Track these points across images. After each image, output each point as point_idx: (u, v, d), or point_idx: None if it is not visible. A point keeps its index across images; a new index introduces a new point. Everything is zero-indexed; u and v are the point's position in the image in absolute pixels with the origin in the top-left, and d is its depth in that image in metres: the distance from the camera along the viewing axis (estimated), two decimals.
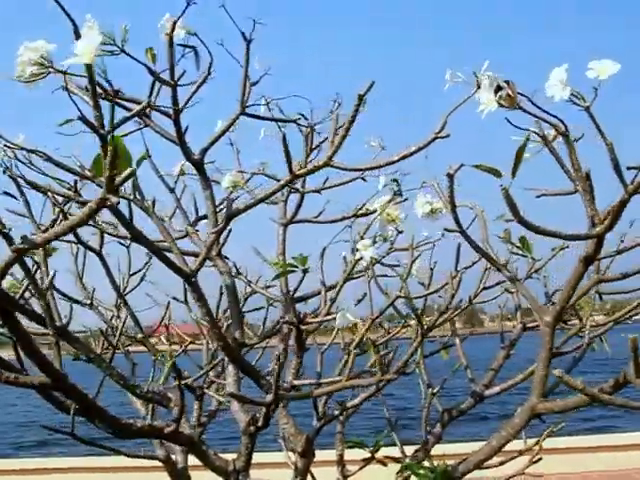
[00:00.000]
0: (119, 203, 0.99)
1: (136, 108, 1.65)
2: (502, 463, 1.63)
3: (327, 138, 1.92)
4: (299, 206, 1.96)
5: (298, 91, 1.80)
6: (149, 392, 1.58)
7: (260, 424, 1.51)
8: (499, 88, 1.23)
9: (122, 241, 2.08)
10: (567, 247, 1.91)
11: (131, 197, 1.49)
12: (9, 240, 1.15)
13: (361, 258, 1.47)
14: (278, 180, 1.98)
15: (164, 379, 1.39)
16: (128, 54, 1.43)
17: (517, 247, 1.85)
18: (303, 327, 1.54)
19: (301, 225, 2.09)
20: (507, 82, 1.23)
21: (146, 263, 2.21)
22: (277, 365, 1.32)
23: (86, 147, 1.72)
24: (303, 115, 1.93)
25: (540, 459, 1.68)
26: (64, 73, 1.47)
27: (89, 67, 1.22)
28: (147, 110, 1.69)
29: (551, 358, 1.48)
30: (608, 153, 1.24)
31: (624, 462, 4.21)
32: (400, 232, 1.85)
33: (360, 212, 1.92)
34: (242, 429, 1.56)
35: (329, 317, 1.50)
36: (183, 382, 1.41)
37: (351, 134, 1.50)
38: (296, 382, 1.54)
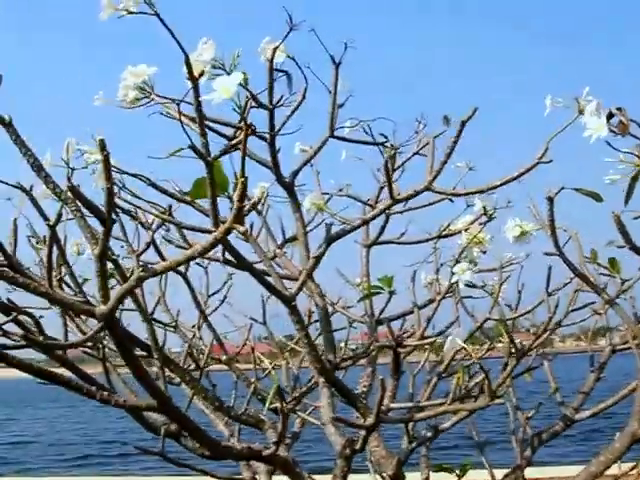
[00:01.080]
0: (248, 232, 1.00)
1: (226, 130, 1.70)
2: None
3: (409, 158, 1.93)
4: (383, 227, 1.97)
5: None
6: (244, 414, 1.60)
7: (358, 447, 1.51)
8: (611, 115, 1.23)
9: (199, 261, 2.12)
10: None
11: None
12: (117, 266, 1.18)
13: (457, 282, 1.46)
14: (362, 201, 2.00)
15: (269, 402, 1.40)
16: (241, 84, 1.44)
17: (605, 267, 1.84)
18: (400, 350, 1.54)
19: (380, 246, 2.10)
20: (619, 109, 1.23)
21: (224, 283, 2.24)
22: (381, 387, 1.32)
23: (173, 171, 1.76)
24: (384, 135, 1.94)
25: None
26: (163, 98, 1.51)
27: (197, 97, 1.25)
28: (237, 133, 1.71)
29: None
30: None
31: None
32: (484, 252, 1.85)
33: (444, 232, 1.92)
34: (338, 452, 1.56)
35: (427, 340, 1.50)
36: (284, 406, 1.42)
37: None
38: (393, 405, 1.54)
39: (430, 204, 1.82)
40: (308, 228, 1.80)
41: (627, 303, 1.91)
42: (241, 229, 0.96)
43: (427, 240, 1.95)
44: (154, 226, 1.66)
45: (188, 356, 1.93)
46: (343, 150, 2.02)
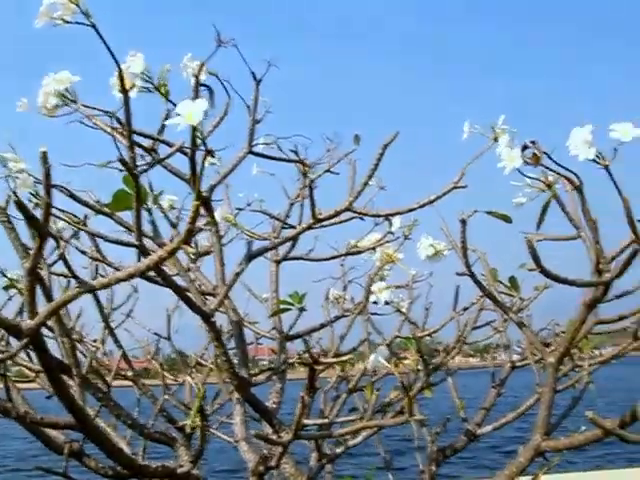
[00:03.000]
0: (197, 255, 0.99)
1: (147, 143, 1.67)
2: None
3: (319, 175, 1.95)
4: (294, 244, 1.98)
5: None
6: (156, 432, 1.57)
7: (273, 464, 1.51)
8: (525, 147, 1.30)
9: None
10: (550, 286, 1.99)
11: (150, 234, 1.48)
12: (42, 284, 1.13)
13: (376, 301, 1.50)
14: (273, 217, 2.01)
15: (192, 418, 1.38)
16: (164, 95, 1.43)
17: (506, 286, 1.92)
18: (316, 367, 1.55)
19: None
20: (533, 141, 1.30)
21: (128, 297, 2.19)
22: (301, 404, 1.33)
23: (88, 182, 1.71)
24: (296, 152, 1.96)
25: None
26: (87, 107, 1.48)
27: (127, 110, 1.23)
28: (155, 145, 1.69)
29: (553, 397, 1.54)
30: (624, 207, 1.32)
31: None
32: (390, 270, 1.90)
33: (352, 250, 1.96)
34: (251, 469, 1.56)
35: (344, 357, 1.52)
36: (200, 424, 1.40)
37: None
38: (307, 421, 1.55)
39: (342, 222, 1.85)
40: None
41: (525, 321, 2.01)
42: (190, 250, 0.96)
43: (335, 257, 1.99)
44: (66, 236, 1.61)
45: (94, 372, 1.87)
46: (254, 164, 2.03)
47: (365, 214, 1.50)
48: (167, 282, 1.36)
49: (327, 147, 1.94)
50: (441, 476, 1.82)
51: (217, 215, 1.98)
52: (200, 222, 1.77)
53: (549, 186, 1.45)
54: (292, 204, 2.01)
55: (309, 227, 1.53)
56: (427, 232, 1.79)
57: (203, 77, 1.51)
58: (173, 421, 1.89)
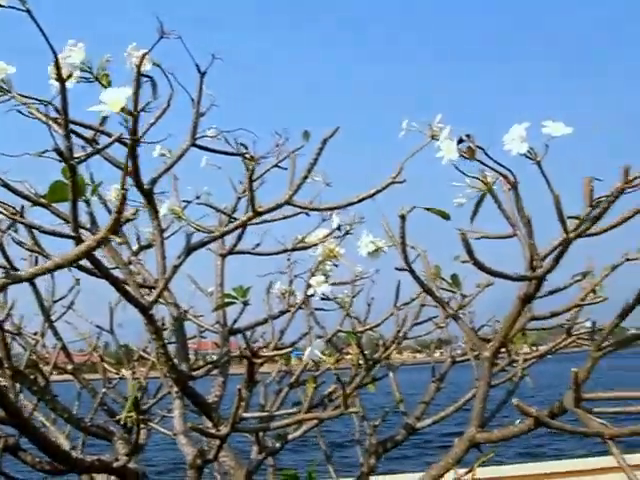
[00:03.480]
0: (122, 244, 0.98)
1: (88, 133, 1.66)
2: None
3: (268, 170, 1.96)
4: (240, 238, 1.98)
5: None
6: (93, 426, 1.56)
7: (211, 457, 1.51)
8: (461, 140, 1.32)
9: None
10: (492, 284, 2.02)
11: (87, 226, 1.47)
12: None
13: (314, 294, 1.51)
14: (220, 210, 2.01)
15: (127, 412, 1.37)
16: (102, 84, 1.42)
17: (447, 283, 1.95)
18: (255, 360, 1.56)
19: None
20: (468, 135, 1.32)
21: (70, 289, 2.17)
22: (238, 397, 1.33)
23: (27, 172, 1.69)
24: (245, 146, 1.95)
25: None
26: (23, 96, 1.46)
27: (64, 99, 1.22)
28: (96, 136, 1.68)
29: (488, 391, 1.57)
30: (554, 204, 1.35)
31: None
32: (336, 266, 1.91)
33: (299, 245, 1.97)
34: (189, 463, 1.56)
35: (283, 351, 1.53)
36: (138, 417, 1.39)
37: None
38: (246, 415, 1.56)
39: (287, 217, 1.86)
40: (165, 235, 1.79)
41: (467, 318, 2.04)
42: (118, 240, 0.95)
43: (282, 252, 1.99)
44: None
45: (32, 365, 1.85)
46: (204, 157, 2.03)
47: (305, 208, 1.51)
48: (103, 274, 1.35)
49: (276, 142, 1.95)
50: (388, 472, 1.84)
51: (164, 208, 1.98)
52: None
53: (487, 185, 1.48)
54: (239, 198, 2.01)
55: (248, 220, 1.53)
56: (371, 229, 1.82)
57: (148, 67, 1.50)
58: (113, 415, 1.88)
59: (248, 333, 1.99)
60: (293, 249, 1.96)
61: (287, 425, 1.46)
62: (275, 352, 1.58)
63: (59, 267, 0.95)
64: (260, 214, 1.51)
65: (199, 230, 1.85)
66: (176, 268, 1.46)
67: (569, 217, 1.41)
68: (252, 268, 2.18)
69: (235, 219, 1.95)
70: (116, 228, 0.96)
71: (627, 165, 1.33)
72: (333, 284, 1.92)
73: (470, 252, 1.36)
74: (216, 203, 1.98)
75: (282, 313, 1.93)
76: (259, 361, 1.58)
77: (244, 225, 1.62)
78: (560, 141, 1.30)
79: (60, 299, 2.12)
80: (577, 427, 1.38)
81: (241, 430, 1.47)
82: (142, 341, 2.22)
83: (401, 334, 1.76)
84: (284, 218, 1.86)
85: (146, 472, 1.56)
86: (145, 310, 1.42)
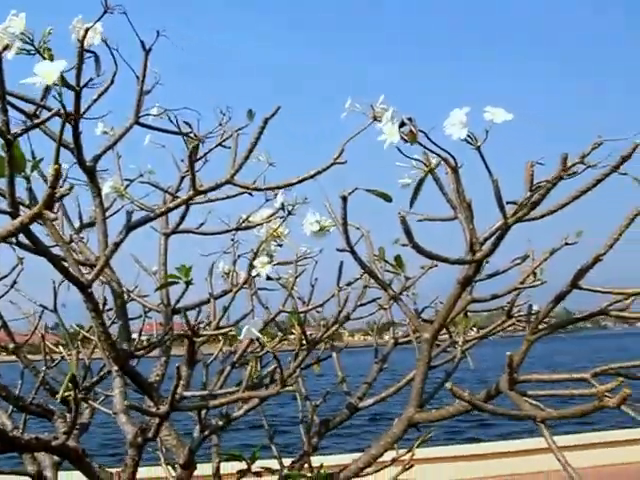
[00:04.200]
0: (55, 219, 0.97)
1: (27, 108, 1.63)
2: (377, 471, 1.73)
3: (211, 149, 1.94)
4: (183, 217, 1.97)
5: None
6: (32, 404, 1.54)
7: (150, 435, 1.51)
8: (402, 124, 1.33)
9: None
10: (436, 266, 2.05)
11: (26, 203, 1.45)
12: None
13: (258, 275, 1.51)
14: (162, 189, 1.99)
15: (63, 390, 1.36)
16: (43, 56, 1.39)
17: (391, 265, 1.97)
18: (196, 339, 1.56)
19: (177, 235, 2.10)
20: (410, 119, 1.33)
21: (13, 268, 2.13)
22: (176, 375, 1.33)
23: None
24: (189, 124, 1.94)
25: (412, 466, 1.79)
26: None
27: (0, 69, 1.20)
28: (37, 111, 1.65)
29: (427, 371, 1.59)
30: (493, 189, 1.37)
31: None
32: (280, 246, 1.91)
33: (243, 225, 1.97)
34: (129, 441, 1.55)
35: (223, 330, 1.53)
36: (76, 394, 1.39)
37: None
38: (186, 393, 1.56)
39: (230, 197, 1.85)
40: (108, 213, 1.77)
41: (410, 300, 2.06)
42: (51, 216, 0.94)
43: (226, 232, 1.99)
44: None
45: None
46: (147, 135, 2.01)
47: (246, 187, 1.51)
48: (41, 250, 1.34)
49: (219, 121, 1.93)
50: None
51: (106, 186, 1.96)
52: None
53: (429, 167, 1.49)
54: (183, 177, 2.00)
55: (190, 198, 1.52)
56: (316, 210, 1.82)
57: (97, 42, 1.48)
58: (55, 394, 1.86)
59: (194, 313, 1.99)
60: (237, 228, 1.95)
61: (225, 403, 1.47)
62: (216, 331, 1.58)
63: None
64: (201, 193, 1.51)
65: (142, 208, 1.84)
66: (117, 245, 1.45)
67: (508, 202, 1.43)
68: (196, 248, 2.17)
69: (178, 198, 1.94)
70: (51, 204, 0.95)
71: (565, 153, 1.36)
72: (277, 264, 1.93)
73: (409, 234, 1.37)
74: (160, 182, 1.96)
75: (225, 293, 1.93)
76: (199, 340, 1.58)
77: (185, 203, 1.62)
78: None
79: (3, 277, 2.09)
80: (510, 410, 1.41)
81: (180, 408, 1.47)
82: (87, 321, 2.19)
83: (343, 315, 1.77)
84: (227, 198, 1.86)
85: (85, 450, 1.55)
86: (84, 288, 1.40)
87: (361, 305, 1.95)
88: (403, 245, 1.42)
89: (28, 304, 2.24)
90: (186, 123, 1.87)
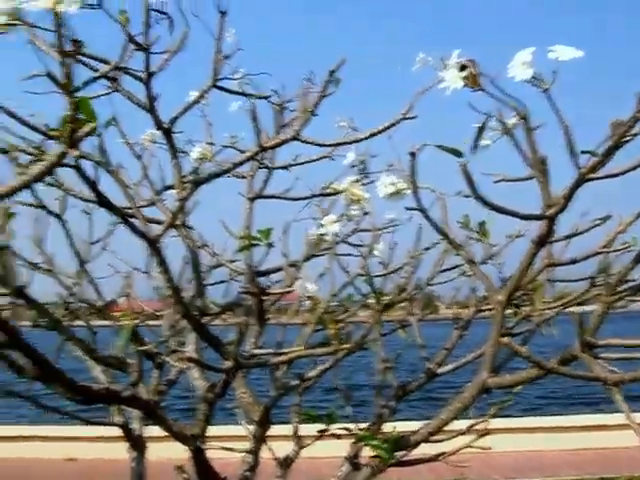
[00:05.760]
0: (80, 157, 1.00)
1: (104, 68, 1.68)
2: (451, 438, 1.68)
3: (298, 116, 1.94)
4: (266, 181, 1.98)
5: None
6: (109, 357, 1.60)
7: (218, 391, 1.53)
8: (463, 67, 1.26)
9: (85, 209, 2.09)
10: (523, 235, 1.96)
11: (96, 159, 1.50)
12: None
13: (325, 233, 1.50)
14: (243, 152, 2.01)
15: (123, 344, 1.40)
16: (106, 11, 1.43)
17: (476, 232, 1.90)
18: (264, 298, 1.56)
19: (270, 202, 2.12)
20: (471, 61, 1.26)
21: (110, 232, 2.21)
22: (239, 334, 1.34)
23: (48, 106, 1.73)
24: (276, 91, 1.95)
25: (487, 434, 1.74)
26: (30, 26, 1.49)
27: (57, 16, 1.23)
28: (117, 74, 1.70)
29: (501, 336, 1.52)
30: (564, 136, 1.28)
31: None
32: (366, 213, 1.89)
33: (327, 191, 1.96)
34: (201, 396, 1.59)
35: (289, 289, 1.53)
36: (142, 348, 1.43)
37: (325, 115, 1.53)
38: (256, 351, 1.57)
39: (310, 161, 1.85)
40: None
41: (495, 269, 1.99)
42: (74, 153, 0.96)
43: (310, 197, 1.98)
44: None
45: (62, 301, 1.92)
46: (234, 102, 2.03)
47: (311, 142, 1.49)
48: (109, 207, 1.38)
49: (304, 88, 1.93)
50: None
51: (195, 151, 2.00)
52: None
53: (502, 123, 1.42)
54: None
55: (254, 154, 1.52)
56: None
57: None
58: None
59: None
60: (321, 194, 1.95)
61: (285, 361, 1.46)
62: (283, 290, 1.59)
63: (28, 184, 0.98)
64: (265, 149, 1.51)
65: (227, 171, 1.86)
66: (183, 201, 1.48)
67: (582, 152, 1.34)
68: (280, 215, 2.18)
69: (262, 163, 1.96)
70: (73, 141, 0.97)
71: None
72: (358, 230, 1.91)
73: (472, 185, 1.31)
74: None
75: (308, 259, 1.92)
76: (268, 298, 1.59)
77: (250, 159, 1.62)
78: None
79: (97, 241, 2.17)
80: (582, 373, 1.33)
81: (243, 365, 1.48)
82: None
83: (414, 279, 1.72)
84: (309, 162, 1.86)
85: (159, 402, 1.60)
86: (152, 242, 1.43)
87: (442, 271, 1.90)
88: (466, 197, 1.35)
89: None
90: (274, 91, 1.88)
